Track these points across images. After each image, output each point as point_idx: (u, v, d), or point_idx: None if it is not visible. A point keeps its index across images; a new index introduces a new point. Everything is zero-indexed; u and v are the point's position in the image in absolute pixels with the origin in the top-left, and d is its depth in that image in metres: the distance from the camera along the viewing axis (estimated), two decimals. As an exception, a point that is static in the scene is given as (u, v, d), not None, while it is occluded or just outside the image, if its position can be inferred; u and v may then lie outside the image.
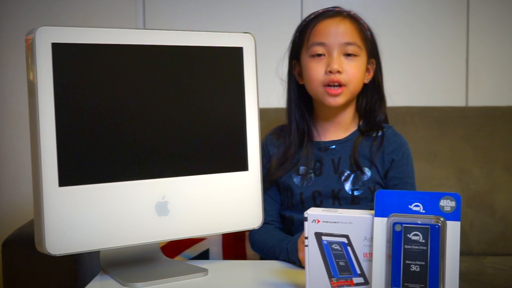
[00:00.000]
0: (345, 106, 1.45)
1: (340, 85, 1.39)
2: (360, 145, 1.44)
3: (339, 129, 1.47)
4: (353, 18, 1.44)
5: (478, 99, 2.23)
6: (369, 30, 1.46)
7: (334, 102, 1.40)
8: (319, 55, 1.41)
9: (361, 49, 1.42)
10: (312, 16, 1.46)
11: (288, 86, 1.50)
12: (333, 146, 1.46)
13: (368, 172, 1.42)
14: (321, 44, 1.40)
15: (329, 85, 1.39)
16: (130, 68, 1.17)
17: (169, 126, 1.21)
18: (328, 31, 1.40)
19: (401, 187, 1.42)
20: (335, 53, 1.39)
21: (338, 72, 1.38)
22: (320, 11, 1.46)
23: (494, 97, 2.22)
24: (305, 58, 1.44)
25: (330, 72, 1.38)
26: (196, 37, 1.23)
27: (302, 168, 1.45)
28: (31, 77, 1.09)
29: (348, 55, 1.40)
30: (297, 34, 1.48)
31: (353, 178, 1.42)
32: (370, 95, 1.48)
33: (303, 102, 1.48)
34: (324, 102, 1.42)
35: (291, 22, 1.53)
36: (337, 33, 1.40)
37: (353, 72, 1.40)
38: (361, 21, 1.45)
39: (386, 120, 1.51)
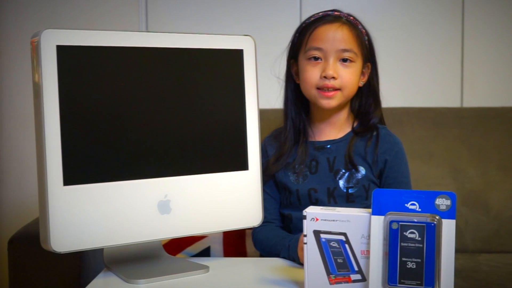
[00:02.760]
0: (339, 107, 1.46)
1: (334, 89, 1.40)
2: (355, 145, 1.45)
3: (334, 129, 1.48)
4: (351, 24, 1.44)
5: (473, 100, 2.23)
6: (367, 35, 1.47)
7: (327, 104, 1.42)
8: (316, 58, 1.41)
9: (357, 55, 1.42)
10: (312, 19, 1.46)
11: (286, 85, 1.51)
12: (329, 146, 1.46)
13: (362, 171, 1.43)
14: (319, 49, 1.41)
15: (323, 88, 1.40)
16: (133, 70, 1.17)
17: (171, 127, 1.21)
18: (326, 37, 1.41)
19: (396, 187, 1.42)
20: (331, 59, 1.40)
21: (333, 78, 1.39)
22: (320, 14, 1.46)
23: (488, 98, 2.22)
24: (302, 60, 1.45)
25: (325, 77, 1.39)
26: (197, 39, 1.24)
27: (298, 166, 1.45)
28: (36, 79, 1.09)
29: (344, 60, 1.41)
30: (297, 35, 1.48)
31: (348, 176, 1.43)
32: (365, 98, 1.49)
33: (299, 101, 1.49)
34: (317, 104, 1.43)
35: (290, 25, 1.53)
36: (335, 39, 1.41)
37: (347, 78, 1.41)
38: (359, 27, 1.45)
39: (382, 122, 1.51)
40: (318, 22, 1.44)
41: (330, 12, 1.46)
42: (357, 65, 1.43)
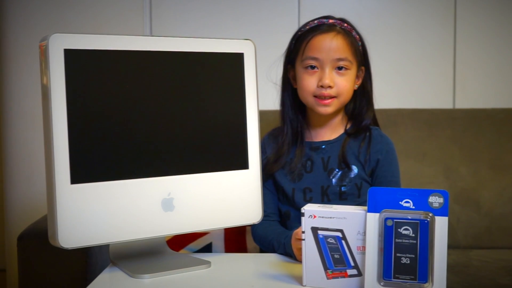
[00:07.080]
0: (335, 112, 1.46)
1: (330, 97, 1.41)
2: (348, 145, 1.45)
3: (329, 130, 1.48)
4: (346, 32, 1.43)
5: (465, 102, 2.23)
6: (361, 40, 1.46)
7: (324, 111, 1.42)
8: (313, 67, 1.42)
9: (352, 62, 1.42)
10: (307, 27, 1.45)
11: (282, 89, 1.51)
12: (323, 146, 1.47)
13: (355, 169, 1.43)
14: (315, 58, 1.41)
15: (320, 96, 1.41)
16: (138, 72, 1.17)
17: (174, 127, 1.21)
18: (322, 47, 1.41)
19: (386, 186, 1.43)
20: (327, 68, 1.40)
21: (329, 86, 1.40)
22: (316, 22, 1.45)
23: (479, 100, 2.22)
24: (299, 68, 1.45)
25: (322, 86, 1.40)
26: (199, 43, 1.24)
27: (294, 166, 1.46)
28: (44, 81, 1.09)
29: (339, 68, 1.41)
30: (293, 42, 1.48)
31: (341, 174, 1.43)
32: (359, 100, 1.49)
33: (297, 105, 1.49)
34: (315, 111, 1.44)
35: (289, 29, 1.53)
36: (330, 49, 1.41)
37: (343, 85, 1.41)
38: (353, 33, 1.45)
39: (375, 123, 1.51)
40: (314, 32, 1.43)
41: (324, 20, 1.45)
42: (352, 72, 1.43)
